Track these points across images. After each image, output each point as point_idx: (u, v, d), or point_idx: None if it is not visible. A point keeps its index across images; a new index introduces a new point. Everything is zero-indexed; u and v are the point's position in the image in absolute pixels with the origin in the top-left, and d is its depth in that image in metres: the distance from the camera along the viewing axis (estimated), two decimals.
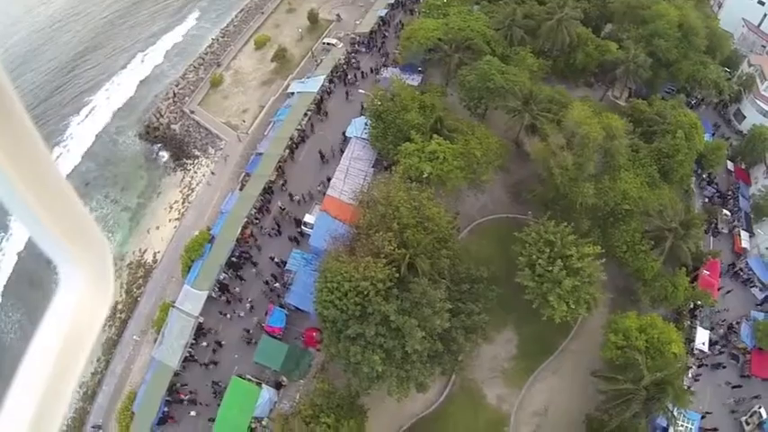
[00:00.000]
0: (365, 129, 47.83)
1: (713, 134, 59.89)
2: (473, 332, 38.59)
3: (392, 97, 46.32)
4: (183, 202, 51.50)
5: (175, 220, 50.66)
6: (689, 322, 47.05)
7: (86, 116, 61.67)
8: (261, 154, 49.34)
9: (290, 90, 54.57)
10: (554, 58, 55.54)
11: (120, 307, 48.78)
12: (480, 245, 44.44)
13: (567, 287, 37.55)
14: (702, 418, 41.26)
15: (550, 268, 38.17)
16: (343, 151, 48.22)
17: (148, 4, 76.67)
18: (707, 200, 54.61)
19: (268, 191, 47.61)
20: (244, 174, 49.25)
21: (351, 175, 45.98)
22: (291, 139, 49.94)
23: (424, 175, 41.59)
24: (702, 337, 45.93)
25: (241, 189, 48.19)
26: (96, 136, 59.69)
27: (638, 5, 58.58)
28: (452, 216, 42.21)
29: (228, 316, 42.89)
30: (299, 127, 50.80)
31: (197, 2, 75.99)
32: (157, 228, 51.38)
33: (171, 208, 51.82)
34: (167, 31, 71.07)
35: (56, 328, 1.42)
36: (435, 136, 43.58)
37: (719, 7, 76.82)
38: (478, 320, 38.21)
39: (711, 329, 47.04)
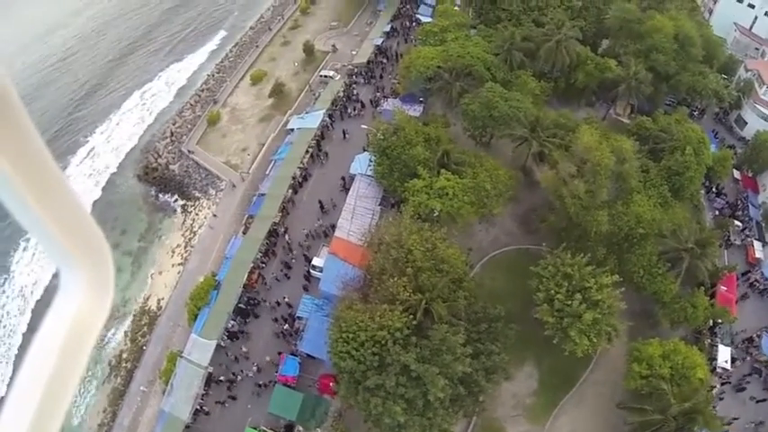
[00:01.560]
0: (370, 165, 46.43)
1: (719, 147, 58.72)
2: (494, 372, 37.23)
3: (395, 131, 45.04)
4: (185, 246, 49.94)
5: (178, 265, 49.09)
6: (709, 340, 45.68)
7: (85, 157, 60.20)
8: (263, 195, 47.85)
9: (289, 126, 53.21)
10: (555, 80, 54.42)
11: (125, 356, 47.19)
12: (494, 279, 42.92)
13: (588, 321, 36.21)
14: None
15: (569, 302, 36.83)
16: (347, 189, 46.69)
17: (144, 44, 75.57)
18: (717, 212, 53.47)
19: (273, 233, 46.04)
20: (247, 216, 47.72)
21: (358, 215, 44.53)
22: (294, 177, 48.47)
23: (434, 214, 40.20)
24: (724, 355, 44.62)
25: (245, 232, 46.66)
26: (94, 177, 58.19)
27: (633, 20, 57.69)
28: (466, 253, 40.81)
29: (239, 377, 41.12)
30: (301, 165, 49.36)
31: (194, 39, 74.87)
32: (160, 273, 49.82)
33: (173, 252, 50.25)
34: (164, 68, 69.96)
35: (56, 330, 1.40)
36: (443, 170, 42.23)
37: (710, 13, 76.30)
38: (499, 361, 36.92)
39: (732, 345, 45.63)
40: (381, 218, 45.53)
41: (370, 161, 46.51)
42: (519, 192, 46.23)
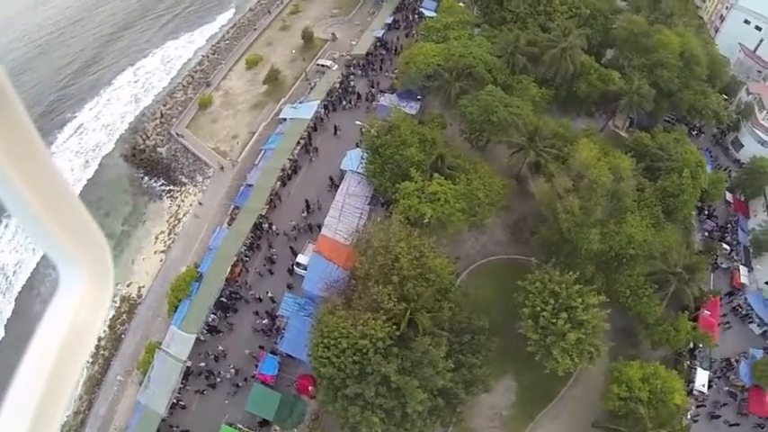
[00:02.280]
0: (361, 162, 44.92)
1: (714, 166, 58.13)
2: (473, 385, 36.66)
3: (390, 129, 43.52)
4: (169, 234, 48.21)
5: (161, 252, 47.42)
6: (688, 362, 45.55)
7: (72, 134, 57.73)
8: (251, 186, 46.15)
9: (282, 116, 51.19)
10: (556, 87, 53.04)
11: (103, 343, 45.76)
12: (480, 288, 42.08)
13: (572, 341, 35.58)
14: None
15: (555, 320, 36.12)
16: (336, 187, 45.18)
17: (140, 19, 72.29)
18: (707, 233, 52.95)
19: (259, 226, 44.52)
20: (233, 206, 46.05)
21: (346, 213, 43.14)
22: (283, 169, 46.79)
23: (424, 220, 38.98)
24: (702, 379, 44.45)
25: (230, 223, 45.07)
26: (81, 155, 55.89)
27: (640, 33, 56.28)
28: (453, 261, 39.79)
29: (218, 379, 39.97)
30: (291, 157, 47.62)
31: (192, 16, 71.67)
32: (142, 259, 48.14)
33: (156, 239, 48.52)
34: (160, 45, 67.05)
35: (55, 328, 1.39)
36: (436, 174, 40.94)
37: (716, 32, 75.14)
38: (480, 374, 36.34)
39: (710, 369, 45.59)
40: (370, 218, 44.23)
41: (362, 158, 45.03)
42: (511, 200, 45.11)
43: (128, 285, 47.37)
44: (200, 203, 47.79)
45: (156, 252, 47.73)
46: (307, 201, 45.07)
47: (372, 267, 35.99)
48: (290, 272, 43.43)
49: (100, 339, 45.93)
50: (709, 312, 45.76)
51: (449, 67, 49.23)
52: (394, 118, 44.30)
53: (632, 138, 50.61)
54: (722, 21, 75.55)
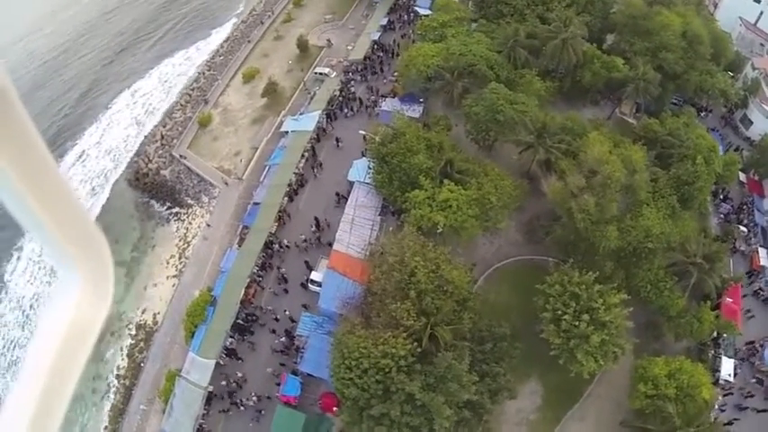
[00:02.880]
0: (368, 172, 43.78)
1: (726, 149, 56.52)
2: (499, 393, 35.91)
3: (395, 136, 42.31)
4: (179, 258, 47.37)
5: (173, 277, 46.64)
6: (712, 351, 44.53)
7: (75, 162, 56.89)
8: (258, 204, 45.17)
9: (283, 128, 49.97)
10: (560, 79, 51.51)
11: (123, 373, 45.22)
12: (498, 293, 41.13)
13: (596, 343, 34.61)
14: None
15: (577, 323, 35.12)
16: (345, 199, 44.10)
17: (133, 39, 71.04)
18: (722, 217, 51.54)
19: (269, 245, 43.60)
20: (241, 226, 45.11)
21: (357, 226, 42.11)
22: (290, 184, 45.74)
23: (438, 230, 37.92)
24: (728, 368, 43.41)
25: (240, 244, 44.16)
26: (86, 183, 55.08)
27: (639, 16, 54.52)
28: (470, 268, 38.77)
29: (241, 407, 39.28)
30: (297, 170, 46.54)
31: (186, 33, 70.30)
32: (155, 285, 47.37)
33: (167, 263, 47.70)
34: (155, 65, 65.70)
35: (56, 328, 1.38)
36: (446, 181, 39.76)
37: (715, 7, 73.10)
38: (504, 382, 35.57)
39: (735, 357, 44.54)
40: (382, 229, 43.24)
41: (369, 168, 43.89)
42: (523, 198, 43.85)
43: (142, 313, 46.69)
44: (209, 225, 46.86)
45: (168, 277, 46.94)
46: (316, 219, 43.90)
47: (389, 283, 35.08)
48: (305, 286, 42.57)
49: (119, 368, 45.45)
50: (731, 299, 44.56)
51: (449, 67, 47.79)
52: (398, 125, 43.05)
53: (641, 125, 49.08)
54: None
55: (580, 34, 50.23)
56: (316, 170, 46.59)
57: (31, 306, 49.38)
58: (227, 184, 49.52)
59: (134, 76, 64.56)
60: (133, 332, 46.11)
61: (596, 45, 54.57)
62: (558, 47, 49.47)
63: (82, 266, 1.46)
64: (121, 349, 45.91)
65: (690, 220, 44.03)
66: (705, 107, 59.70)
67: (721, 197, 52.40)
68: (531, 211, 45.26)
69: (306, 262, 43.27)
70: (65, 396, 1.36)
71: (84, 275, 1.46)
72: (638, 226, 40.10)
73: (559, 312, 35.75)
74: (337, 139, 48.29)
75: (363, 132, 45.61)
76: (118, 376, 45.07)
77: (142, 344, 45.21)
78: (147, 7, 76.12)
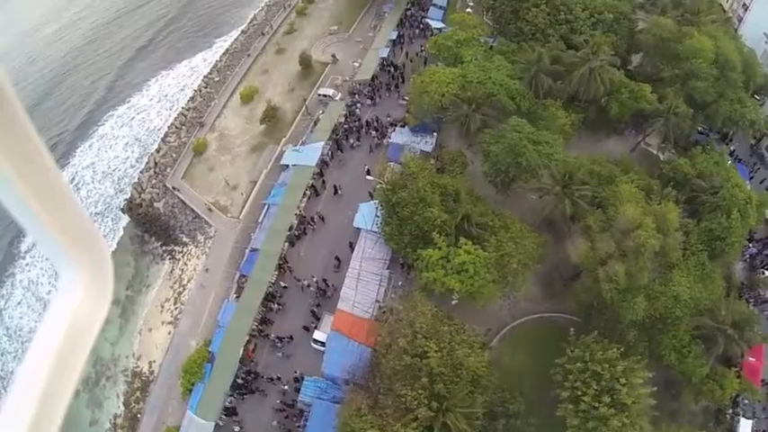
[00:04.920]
0: (376, 219, 38.38)
1: (751, 176, 50.92)
2: None
3: (405, 182, 36.69)
4: (174, 302, 42.57)
5: (169, 324, 42.01)
6: (731, 411, 40.64)
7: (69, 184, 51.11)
8: (256, 250, 39.97)
9: (283, 161, 43.99)
10: (584, 108, 45.26)
11: (120, 421, 41.32)
12: (513, 356, 36.73)
13: (615, 427, 30.42)
14: None
15: (597, 404, 30.85)
16: (352, 247, 38.88)
17: (128, 53, 63.82)
18: (748, 259, 46.50)
19: (269, 297, 38.73)
20: (239, 275, 40.07)
21: (363, 282, 37.13)
22: (291, 228, 40.41)
23: (453, 301, 32.99)
24: (746, 429, 39.69)
25: (238, 295, 39.31)
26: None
27: (670, 38, 47.73)
28: (483, 343, 33.99)
29: None
30: (298, 212, 41.07)
31: (184, 45, 62.84)
32: (150, 330, 42.83)
33: (162, 307, 42.96)
34: (151, 80, 58.78)
35: (56, 328, 1.35)
36: (462, 239, 34.44)
37: (739, 21, 65.67)
38: None
39: (754, 417, 40.67)
40: (390, 283, 38.32)
41: (377, 216, 38.46)
42: (544, 252, 38.81)
43: (137, 359, 42.36)
44: (206, 270, 41.71)
45: (163, 323, 42.30)
46: (325, 282, 38.63)
47: (398, 363, 30.51)
48: (307, 329, 38.08)
49: (116, 417, 41.56)
50: (753, 358, 40.30)
51: (466, 97, 41.50)
52: (410, 166, 37.33)
53: (671, 166, 43.26)
54: (746, 10, 65.80)
55: (609, 61, 43.71)
56: (314, 224, 40.78)
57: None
58: (225, 214, 44.07)
59: (130, 90, 57.89)
60: (129, 379, 41.98)
61: (621, 65, 48.11)
62: (584, 76, 43.06)
63: (82, 267, 1.39)
64: (118, 396, 41.89)
65: (719, 279, 39.10)
66: (730, 134, 53.65)
67: (747, 238, 47.11)
68: (549, 261, 40.11)
69: (312, 311, 38.50)
70: (65, 396, 1.29)
71: (85, 276, 1.40)
72: (667, 292, 35.21)
73: (579, 392, 31.47)
74: (336, 187, 42.15)
75: (371, 178, 39.69)
76: (115, 425, 41.20)
77: (138, 393, 41.05)
78: (150, 17, 68.35)
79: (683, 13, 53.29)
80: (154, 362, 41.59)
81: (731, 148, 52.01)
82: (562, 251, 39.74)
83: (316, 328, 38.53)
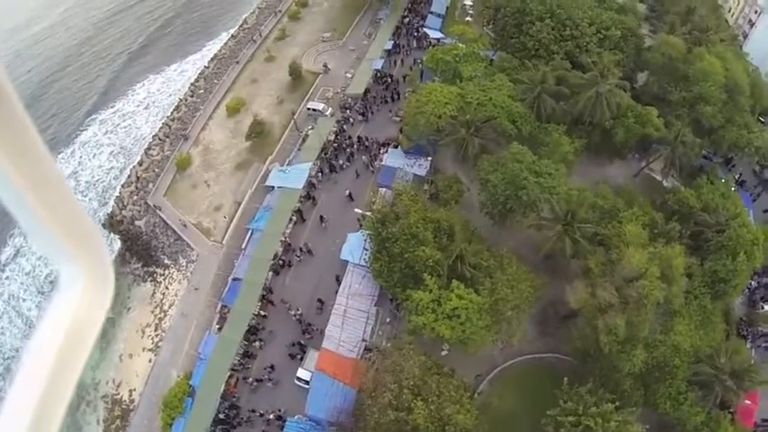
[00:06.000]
0: (364, 253, 35.26)
1: (753, 200, 47.92)
2: None
3: (397, 216, 33.47)
4: (155, 329, 39.70)
5: (149, 351, 39.24)
6: None
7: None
8: (239, 280, 36.94)
9: (269, 182, 40.42)
10: (588, 132, 41.72)
11: None
12: (503, 398, 34.28)
13: None
14: None
15: None
16: (339, 280, 35.87)
17: (117, 53, 59.31)
18: (747, 291, 43.82)
19: (253, 330, 35.90)
20: (221, 305, 37.10)
21: (349, 319, 34.28)
22: (275, 256, 37.30)
23: (443, 351, 30.20)
24: None
25: (220, 327, 36.45)
26: None
27: (678, 58, 44.01)
28: (474, 378, 31.44)
29: None
30: (283, 239, 37.88)
31: (174, 47, 58.21)
32: (130, 356, 40.09)
33: (143, 333, 40.12)
34: (139, 83, 54.44)
35: (56, 327, 1.31)
36: (455, 281, 31.44)
37: (744, 38, 61.80)
38: None
39: None
40: (378, 321, 35.46)
41: (365, 249, 35.33)
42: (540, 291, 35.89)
43: (117, 386, 39.77)
44: (191, 290, 38.64)
45: (144, 349, 39.51)
46: (303, 319, 35.63)
47: (384, 418, 27.92)
48: (292, 356, 35.47)
49: None
50: (749, 401, 38.03)
51: (465, 120, 37.87)
52: (402, 200, 34.05)
53: (675, 198, 40.08)
54: (752, 26, 61.87)
55: (616, 83, 40.00)
56: (299, 254, 37.55)
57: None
58: (205, 249, 40.42)
59: (115, 94, 53.79)
60: (109, 406, 39.54)
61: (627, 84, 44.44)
62: (591, 99, 39.39)
63: (82, 264, 1.36)
64: (98, 422, 39.48)
65: (720, 321, 36.51)
66: (732, 159, 50.38)
67: None
68: (546, 297, 37.24)
69: (298, 343, 35.71)
70: (65, 396, 1.25)
71: (85, 273, 1.37)
72: (668, 341, 32.61)
73: None
74: (322, 218, 38.72)
75: (359, 211, 36.33)
76: None
77: (118, 422, 38.60)
78: (142, 17, 63.48)
79: (690, 30, 49.45)
80: (134, 390, 38.98)
81: (736, 176, 48.74)
82: (559, 287, 36.79)
83: (301, 359, 35.95)
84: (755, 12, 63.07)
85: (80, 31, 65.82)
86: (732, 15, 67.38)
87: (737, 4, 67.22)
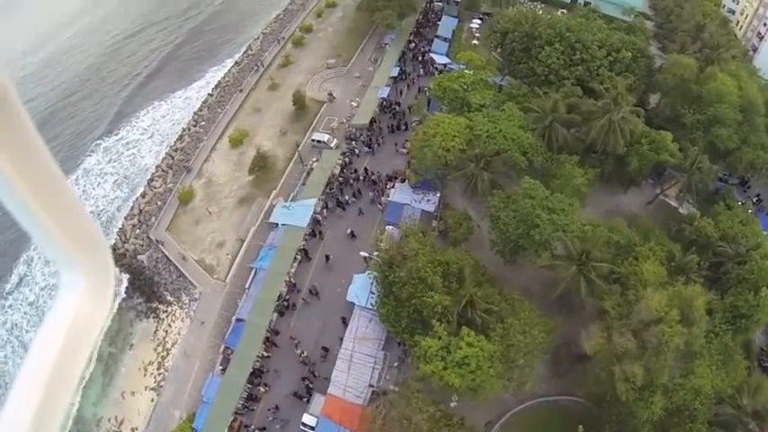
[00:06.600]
0: (371, 296, 33.65)
1: None
2: None
3: (404, 258, 31.81)
4: (158, 367, 38.36)
5: (152, 389, 37.90)
6: None
7: None
8: (242, 321, 35.51)
9: (272, 219, 38.95)
10: (600, 161, 39.79)
11: None
12: None
13: None
14: None
15: None
16: (345, 322, 34.31)
17: (120, 79, 58.36)
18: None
19: (257, 372, 34.44)
20: (224, 346, 35.70)
21: (356, 364, 32.66)
22: (280, 297, 35.83)
23: (452, 402, 28.48)
24: None
25: (223, 369, 35.03)
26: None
27: (691, 79, 42.00)
28: (485, 426, 29.70)
29: None
30: (288, 278, 36.41)
31: (180, 73, 57.16)
32: (132, 394, 38.70)
33: (146, 371, 38.78)
34: (143, 111, 53.34)
35: (57, 328, 1.32)
36: (465, 327, 29.71)
37: (754, 51, 59.54)
38: None
39: None
40: (385, 364, 33.81)
41: (372, 292, 33.72)
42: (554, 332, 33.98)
43: (120, 424, 38.32)
44: (197, 326, 37.21)
45: (146, 388, 38.18)
46: (307, 363, 34.03)
47: None
48: (300, 397, 33.82)
49: None
50: None
51: (474, 154, 36.13)
52: (409, 242, 32.36)
53: (693, 227, 38.01)
54: (761, 39, 59.62)
55: (630, 110, 38.06)
56: (307, 298, 36.00)
57: None
58: (208, 287, 38.94)
59: (120, 122, 52.66)
60: None
61: (639, 106, 42.47)
62: (604, 127, 37.50)
63: (84, 268, 1.36)
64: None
65: (741, 359, 34.39)
66: (748, 179, 48.15)
67: None
68: (559, 336, 35.36)
69: (305, 386, 34.14)
70: (66, 396, 1.26)
71: (87, 277, 1.37)
72: (687, 384, 30.60)
73: None
74: (327, 257, 37.20)
75: (365, 254, 34.72)
76: None
77: None
78: (149, 43, 62.66)
79: (701, 47, 47.39)
80: (136, 429, 37.53)
81: (754, 199, 46.50)
82: (573, 325, 34.96)
83: (307, 401, 34.39)
84: (765, 25, 60.88)
85: (88, 56, 65.17)
86: (740, 29, 65.11)
87: (745, 17, 64.99)
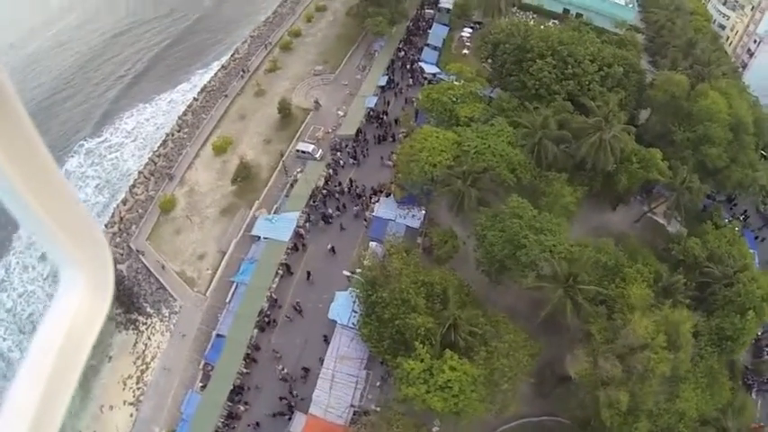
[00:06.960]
0: (353, 315, 32.66)
1: (756, 237, 45.48)
2: None
3: (387, 277, 30.83)
4: (137, 381, 37.12)
5: (130, 404, 36.66)
6: None
7: (31, 244, 44.77)
8: (222, 336, 34.38)
9: (254, 232, 37.71)
10: (589, 178, 39.02)
11: None
12: None
13: None
14: None
15: None
16: (327, 340, 33.31)
17: (108, 80, 56.43)
18: (752, 340, 41.20)
19: (238, 389, 33.36)
20: (204, 362, 34.55)
21: (338, 384, 31.74)
22: (261, 312, 34.74)
23: (434, 429, 27.62)
24: None
25: (203, 383, 33.92)
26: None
27: (682, 96, 41.38)
28: None
29: None
30: (269, 294, 35.29)
31: (167, 76, 55.36)
32: (111, 408, 37.43)
33: (125, 384, 37.53)
34: (127, 113, 51.59)
35: (56, 327, 1.30)
36: (448, 351, 28.84)
37: (743, 68, 59.17)
38: None
39: None
40: (368, 384, 32.87)
41: (354, 311, 32.72)
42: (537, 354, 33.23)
43: None
44: (178, 339, 35.97)
45: (125, 402, 36.91)
46: (287, 380, 33.03)
47: None
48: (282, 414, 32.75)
49: None
50: None
51: (461, 171, 35.12)
52: (393, 261, 31.36)
53: (680, 247, 37.43)
54: (751, 56, 59.26)
55: (622, 128, 37.27)
56: (290, 317, 34.88)
57: None
58: (189, 300, 37.67)
59: (104, 123, 50.90)
60: None
61: (629, 122, 41.77)
62: (594, 145, 36.69)
63: (83, 265, 1.33)
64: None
65: (726, 380, 33.99)
66: (735, 197, 47.78)
67: None
68: (543, 356, 34.67)
69: (286, 403, 33.10)
70: (66, 395, 1.25)
71: (86, 276, 1.35)
72: (672, 409, 30.09)
73: None
74: (309, 273, 36.13)
75: (347, 273, 33.66)
76: None
77: None
78: (138, 43, 60.66)
79: (692, 64, 46.78)
80: None
81: (741, 217, 46.15)
82: (557, 346, 34.31)
83: (289, 419, 33.40)
84: (755, 41, 60.56)
85: (74, 53, 63.13)
86: (730, 45, 64.73)
87: (735, 33, 64.60)
